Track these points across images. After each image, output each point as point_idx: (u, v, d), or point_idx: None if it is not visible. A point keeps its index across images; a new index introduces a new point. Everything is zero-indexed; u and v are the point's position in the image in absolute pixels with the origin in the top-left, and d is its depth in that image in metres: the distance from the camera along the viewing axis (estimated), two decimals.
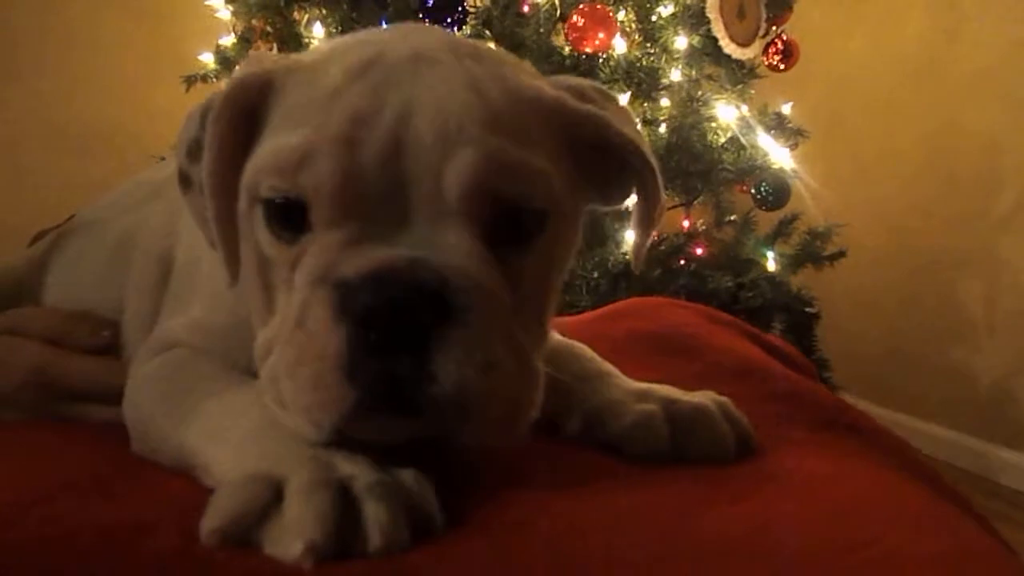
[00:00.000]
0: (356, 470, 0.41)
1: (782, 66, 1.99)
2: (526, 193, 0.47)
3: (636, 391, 0.57)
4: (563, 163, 0.50)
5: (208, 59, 1.97)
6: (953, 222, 2.43)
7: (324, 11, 1.66)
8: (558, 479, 0.49)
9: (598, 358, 0.62)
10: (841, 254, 2.01)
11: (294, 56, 0.52)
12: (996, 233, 2.33)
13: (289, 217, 0.46)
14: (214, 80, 1.95)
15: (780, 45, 1.98)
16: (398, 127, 0.45)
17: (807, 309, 1.72)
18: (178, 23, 2.69)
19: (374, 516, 0.38)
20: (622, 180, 0.56)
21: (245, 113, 0.49)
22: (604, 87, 0.58)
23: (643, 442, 0.53)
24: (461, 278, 0.43)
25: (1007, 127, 2.29)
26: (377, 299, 0.41)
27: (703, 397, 0.56)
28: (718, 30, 1.58)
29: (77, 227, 0.81)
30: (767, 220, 1.99)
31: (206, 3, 2.00)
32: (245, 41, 1.85)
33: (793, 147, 1.83)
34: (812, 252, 1.80)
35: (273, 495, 0.39)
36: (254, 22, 1.87)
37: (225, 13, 1.88)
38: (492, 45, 1.57)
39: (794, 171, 1.69)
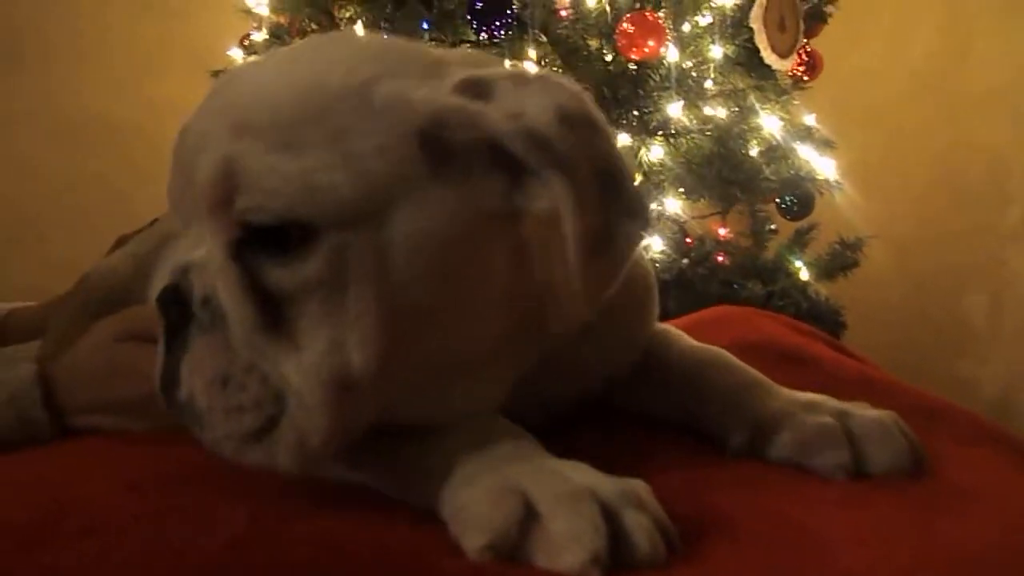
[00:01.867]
0: (590, 478, 0.42)
1: (806, 77, 2.01)
2: (263, 204, 0.43)
3: (803, 402, 0.57)
4: (394, 166, 0.44)
5: (236, 54, 1.94)
6: (960, 237, 2.47)
7: (365, 9, 1.64)
8: (757, 496, 0.49)
9: (747, 366, 0.62)
10: (855, 264, 2.04)
11: None
12: (1003, 248, 2.38)
13: None
14: None
15: (805, 56, 2.00)
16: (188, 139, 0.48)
17: (838, 318, 1.74)
18: (189, 16, 2.65)
19: (637, 524, 0.39)
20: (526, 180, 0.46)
21: None
22: (528, 69, 0.50)
23: (823, 455, 0.53)
24: (200, 288, 0.46)
25: (1016, 144, 2.34)
26: (157, 303, 0.48)
27: (870, 410, 0.56)
28: (760, 41, 1.59)
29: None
30: (784, 229, 2.01)
31: None
32: (276, 37, 1.82)
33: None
34: (843, 262, 1.82)
35: (525, 508, 0.39)
36: (281, 19, 1.85)
37: (263, 8, 1.85)
38: (547, 50, 1.57)
39: (837, 183, 1.71)
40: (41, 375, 0.65)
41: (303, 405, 0.44)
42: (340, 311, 0.44)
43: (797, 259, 1.85)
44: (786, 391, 0.59)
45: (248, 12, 1.97)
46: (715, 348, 0.65)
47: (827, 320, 1.71)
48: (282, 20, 1.85)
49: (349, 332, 0.44)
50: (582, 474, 0.42)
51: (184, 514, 0.39)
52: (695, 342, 0.66)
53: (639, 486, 0.42)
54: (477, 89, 0.46)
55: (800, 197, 1.83)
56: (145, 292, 0.76)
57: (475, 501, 0.40)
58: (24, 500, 0.40)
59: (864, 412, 0.55)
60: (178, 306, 0.47)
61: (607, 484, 0.41)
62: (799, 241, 1.96)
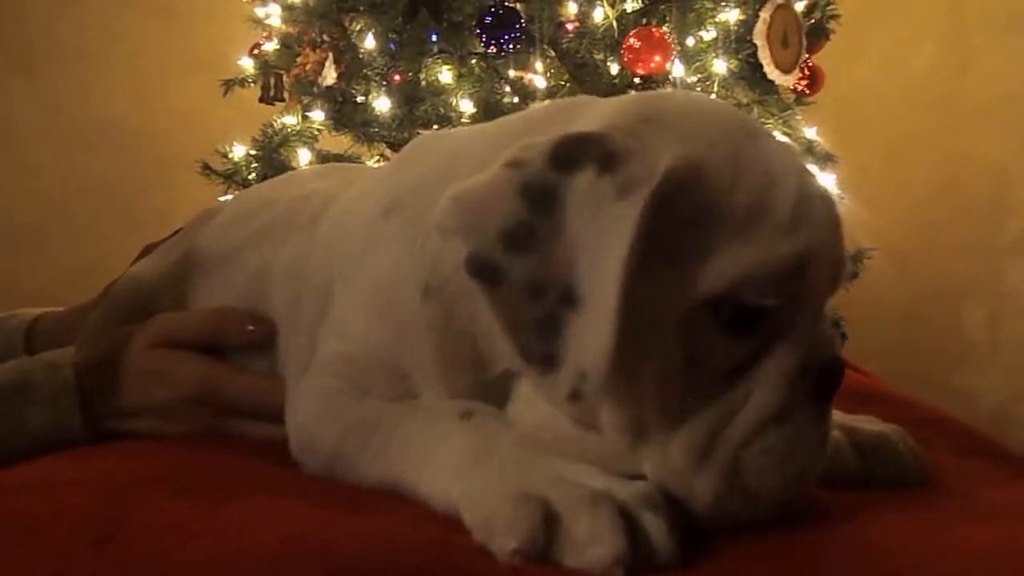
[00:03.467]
0: (604, 482, 0.44)
1: (807, 92, 2.04)
2: None
3: None
4: None
5: (247, 64, 1.96)
6: (959, 248, 2.50)
7: (375, 20, 1.67)
8: None
9: None
10: (854, 276, 2.06)
11: (632, 136, 0.46)
12: (1002, 260, 2.41)
13: (751, 318, 0.46)
14: (251, 84, 1.95)
15: (806, 71, 2.04)
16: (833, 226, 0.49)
17: (838, 330, 1.77)
18: (197, 24, 2.68)
19: (655, 526, 0.41)
20: None
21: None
22: None
23: (831, 469, 0.55)
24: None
25: (1016, 156, 2.37)
26: (833, 383, 0.49)
27: (876, 424, 0.59)
28: (764, 56, 1.63)
29: (211, 257, 0.79)
30: None
31: (248, 5, 1.99)
32: (287, 48, 1.85)
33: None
34: None
35: (545, 512, 0.42)
36: (291, 29, 1.87)
37: (274, 19, 1.88)
38: (555, 64, 1.60)
39: (840, 197, 1.74)
40: (78, 379, 0.67)
41: None
42: None
43: None
44: None
45: (258, 22, 1.99)
46: None
47: None
48: (292, 30, 1.88)
49: None
50: (596, 478, 0.44)
51: (234, 513, 0.41)
52: None
53: (651, 488, 0.44)
54: None
55: None
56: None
57: (498, 509, 0.42)
58: (87, 499, 0.43)
59: (870, 427, 0.58)
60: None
61: (622, 487, 0.43)
62: None
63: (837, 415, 0.60)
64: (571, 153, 0.44)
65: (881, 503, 0.52)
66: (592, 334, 0.41)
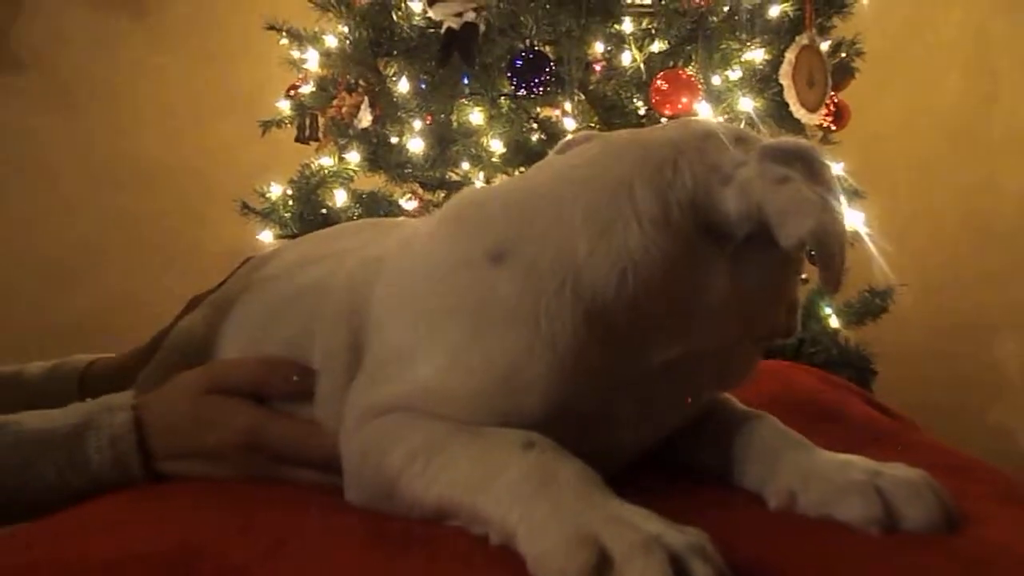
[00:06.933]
0: (658, 527, 0.46)
1: (833, 128, 2.06)
2: None
3: (836, 462, 0.61)
4: None
5: (284, 105, 2.02)
6: (989, 280, 2.49)
7: (408, 63, 1.72)
8: (804, 547, 0.53)
9: (789, 429, 0.67)
10: (884, 310, 2.06)
11: None
12: None
13: None
14: (287, 125, 2.01)
15: (832, 107, 2.05)
16: None
17: (870, 366, 1.77)
18: (232, 65, 2.75)
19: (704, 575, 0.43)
20: None
21: None
22: None
23: (853, 508, 0.56)
24: None
25: None
26: None
27: (902, 470, 0.60)
28: (790, 97, 1.65)
29: (258, 311, 0.81)
30: (812, 274, 2.04)
31: (284, 47, 2.05)
32: (323, 90, 1.90)
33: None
34: (872, 308, 1.85)
35: (599, 555, 0.44)
36: (326, 72, 1.93)
37: (312, 64, 1.93)
38: (583, 106, 1.64)
39: (868, 235, 1.75)
40: (137, 422, 0.71)
41: None
42: None
43: (827, 305, 1.88)
44: (823, 452, 0.63)
45: (293, 63, 2.05)
46: (762, 412, 0.70)
47: (858, 367, 1.74)
48: (327, 73, 1.93)
49: None
50: (651, 522, 0.47)
51: (300, 553, 0.44)
52: (742, 405, 0.72)
53: (702, 536, 0.46)
54: None
55: None
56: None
57: (554, 547, 0.45)
58: (154, 542, 0.45)
59: (894, 471, 0.58)
60: None
61: (674, 534, 0.45)
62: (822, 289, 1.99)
63: (864, 461, 0.61)
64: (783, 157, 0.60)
65: (910, 547, 0.53)
66: None
